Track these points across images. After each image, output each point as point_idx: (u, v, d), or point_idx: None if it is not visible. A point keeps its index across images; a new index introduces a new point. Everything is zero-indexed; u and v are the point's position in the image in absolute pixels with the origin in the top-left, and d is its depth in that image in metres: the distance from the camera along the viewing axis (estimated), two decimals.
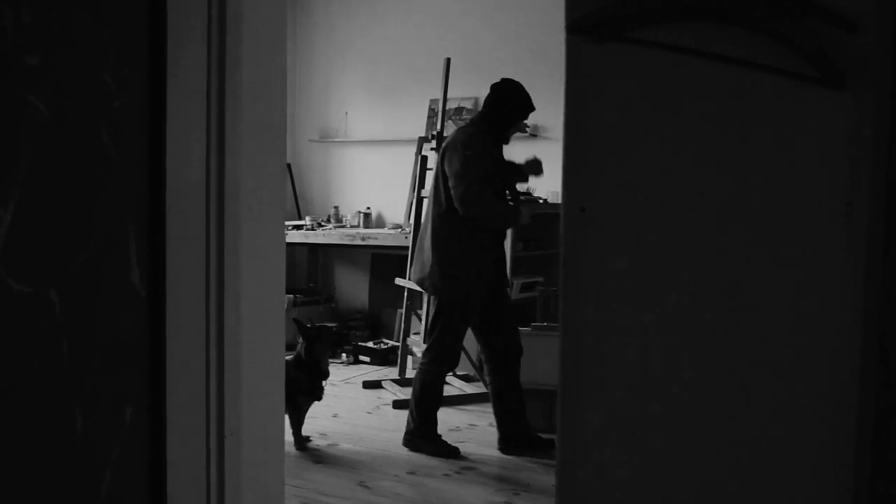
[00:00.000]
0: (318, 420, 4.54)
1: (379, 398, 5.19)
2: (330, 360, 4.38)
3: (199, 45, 1.76)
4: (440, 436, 4.15)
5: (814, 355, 1.28)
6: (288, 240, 5.48)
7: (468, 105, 6.75)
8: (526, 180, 4.65)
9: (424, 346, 4.25)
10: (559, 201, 1.46)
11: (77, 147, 1.61)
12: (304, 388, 4.13)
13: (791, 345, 1.30)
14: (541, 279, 5.91)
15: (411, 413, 4.14)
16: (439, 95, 5.68)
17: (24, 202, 1.52)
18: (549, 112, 6.39)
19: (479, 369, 5.27)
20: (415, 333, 5.67)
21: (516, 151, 6.51)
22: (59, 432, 1.61)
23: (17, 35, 1.49)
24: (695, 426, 1.35)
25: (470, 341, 5.43)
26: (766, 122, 1.30)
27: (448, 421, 4.62)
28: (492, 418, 4.59)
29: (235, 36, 1.80)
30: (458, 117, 6.70)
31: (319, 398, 4.23)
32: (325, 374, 4.24)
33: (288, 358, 4.23)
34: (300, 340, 4.29)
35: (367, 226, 6.88)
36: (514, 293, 5.71)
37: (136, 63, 1.70)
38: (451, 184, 3.96)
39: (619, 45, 1.35)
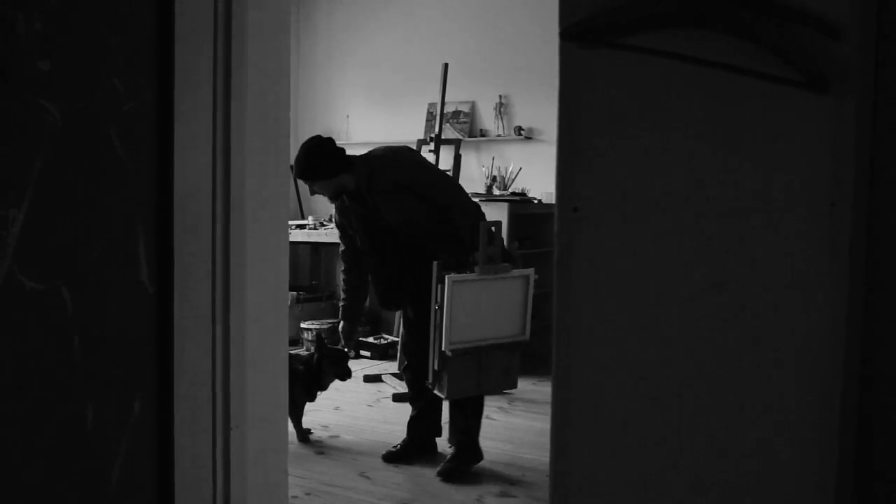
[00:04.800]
0: (320, 412, 4.60)
1: (379, 391, 5.25)
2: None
3: (206, 51, 1.79)
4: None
5: (800, 349, 1.30)
6: (291, 239, 5.52)
7: (465, 109, 6.79)
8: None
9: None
10: (553, 202, 1.49)
11: (88, 150, 1.64)
12: (303, 384, 4.19)
13: (778, 339, 1.31)
14: (536, 277, 5.96)
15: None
16: (437, 99, 5.73)
17: (37, 203, 1.55)
18: (543, 115, 6.46)
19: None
20: None
21: (513, 152, 6.57)
22: (72, 423, 1.64)
23: (30, 41, 1.53)
24: (683, 419, 1.38)
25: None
26: (753, 124, 1.32)
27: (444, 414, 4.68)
28: (488, 411, 4.63)
29: (240, 42, 1.84)
30: (455, 121, 6.74)
31: (312, 399, 4.31)
32: (324, 388, 4.31)
33: (300, 352, 4.27)
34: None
35: None
36: None
37: (145, 68, 1.74)
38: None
39: (611, 50, 1.38)
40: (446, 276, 3.37)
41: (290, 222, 6.33)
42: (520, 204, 5.84)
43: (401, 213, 3.62)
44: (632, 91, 1.39)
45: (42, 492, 1.60)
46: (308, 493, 3.48)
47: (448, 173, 4.08)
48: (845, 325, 1.28)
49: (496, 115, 6.68)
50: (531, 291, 3.79)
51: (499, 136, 6.65)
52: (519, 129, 6.56)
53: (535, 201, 6.05)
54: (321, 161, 3.67)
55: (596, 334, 1.43)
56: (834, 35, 1.24)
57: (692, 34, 1.32)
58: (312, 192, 3.79)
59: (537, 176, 6.30)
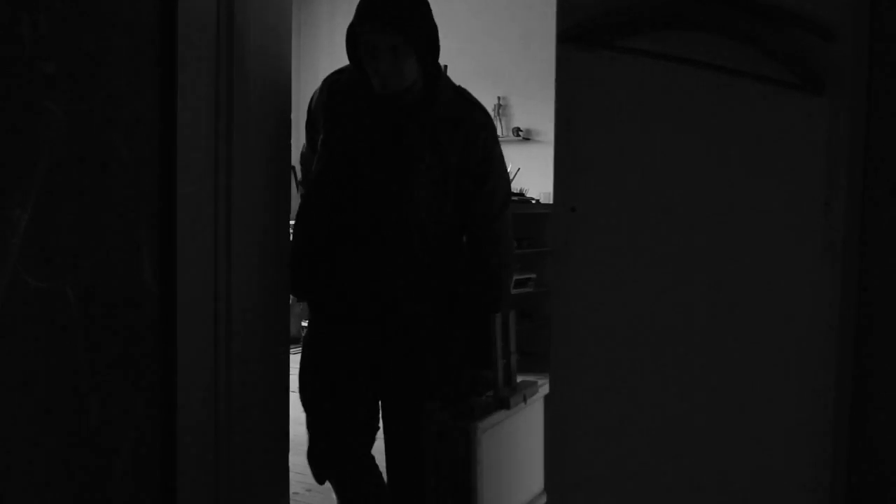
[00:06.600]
0: None
1: None
2: None
3: (209, 53, 1.81)
4: None
5: (794, 347, 1.31)
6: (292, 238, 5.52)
7: None
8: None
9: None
10: (551, 201, 1.50)
11: (92, 151, 1.66)
12: None
13: (772, 337, 1.32)
14: (533, 276, 5.97)
15: None
16: None
17: (42, 203, 1.57)
18: (541, 116, 6.47)
19: None
20: None
21: (511, 153, 6.58)
22: (75, 421, 1.66)
23: (35, 44, 1.55)
24: (679, 417, 1.39)
25: None
26: (748, 125, 1.33)
27: None
28: None
29: (243, 44, 1.85)
30: None
31: None
32: None
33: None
34: None
35: None
36: None
37: (148, 69, 1.75)
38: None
39: (608, 52, 1.39)
40: (475, 427, 1.84)
41: (291, 222, 6.32)
42: (518, 204, 5.86)
43: (421, 189, 2.11)
44: (629, 92, 1.41)
45: (45, 489, 1.62)
46: (308, 490, 3.49)
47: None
48: (839, 322, 1.29)
49: (495, 116, 6.69)
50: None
51: (497, 136, 6.67)
52: (517, 131, 6.58)
53: (534, 201, 6.07)
54: (433, 24, 2.11)
55: (593, 333, 1.44)
56: (828, 38, 1.25)
57: (688, 37, 1.33)
58: (374, 57, 2.03)
59: (535, 176, 6.31)
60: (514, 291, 5.70)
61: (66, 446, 1.65)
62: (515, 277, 5.78)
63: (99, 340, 1.69)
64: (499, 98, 6.67)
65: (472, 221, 2.21)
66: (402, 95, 2.09)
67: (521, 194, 6.12)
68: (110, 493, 1.73)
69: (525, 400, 2.05)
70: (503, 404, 1.98)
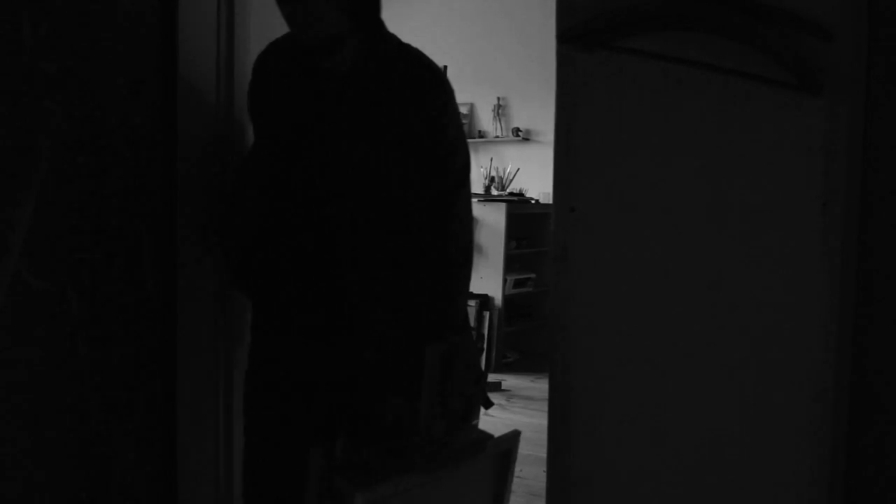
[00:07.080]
0: None
1: None
2: None
3: (209, 53, 1.81)
4: None
5: (793, 346, 1.32)
6: None
7: (464, 110, 6.81)
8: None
9: None
10: (550, 201, 1.50)
11: (92, 151, 1.66)
12: None
13: (772, 337, 1.33)
14: (533, 275, 5.97)
15: None
16: None
17: (43, 204, 1.57)
18: (541, 117, 6.48)
19: None
20: None
21: (511, 153, 6.59)
22: (76, 422, 1.66)
23: (36, 45, 1.55)
24: (678, 416, 1.39)
25: None
26: (747, 125, 1.34)
27: None
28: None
29: (243, 44, 1.86)
30: None
31: None
32: None
33: None
34: None
35: None
36: (508, 289, 5.71)
37: (149, 70, 1.75)
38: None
39: (608, 53, 1.40)
40: (358, 495, 1.36)
41: None
42: (518, 204, 5.87)
43: (363, 165, 1.73)
44: (628, 93, 1.41)
45: (45, 490, 1.62)
46: None
47: None
48: (838, 322, 1.30)
49: (494, 116, 6.70)
50: (511, 477, 1.69)
51: (497, 137, 6.67)
52: (517, 131, 6.59)
53: (533, 201, 6.08)
54: None
55: (592, 332, 1.44)
56: (827, 38, 1.26)
57: (688, 37, 1.34)
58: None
59: (535, 176, 6.32)
60: (512, 291, 5.78)
61: (67, 446, 1.65)
62: (515, 277, 5.80)
63: (99, 340, 1.69)
64: (499, 98, 6.68)
65: (415, 208, 1.75)
66: (327, 57, 1.69)
67: (520, 194, 6.14)
68: (112, 493, 1.73)
69: (455, 464, 1.51)
70: (419, 466, 1.45)
